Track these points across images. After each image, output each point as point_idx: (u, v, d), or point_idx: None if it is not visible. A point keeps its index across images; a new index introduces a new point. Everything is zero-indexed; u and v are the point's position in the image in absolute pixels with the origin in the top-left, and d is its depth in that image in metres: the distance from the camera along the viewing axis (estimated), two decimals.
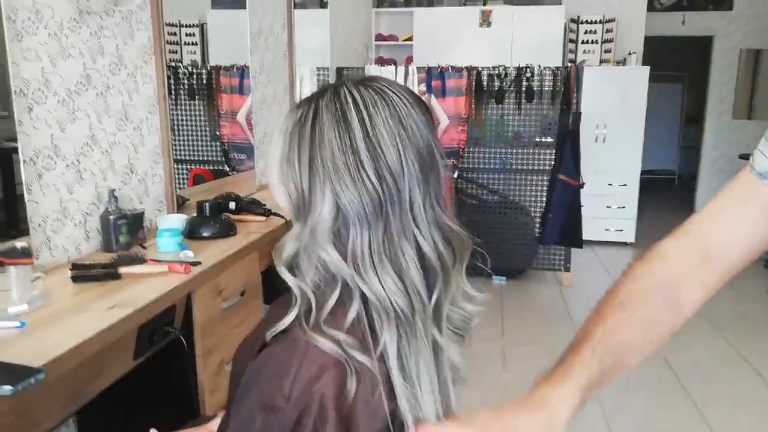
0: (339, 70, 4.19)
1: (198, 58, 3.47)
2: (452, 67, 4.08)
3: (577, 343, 0.74)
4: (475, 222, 3.93)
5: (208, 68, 3.29)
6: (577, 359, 0.71)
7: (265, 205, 2.22)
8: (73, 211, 1.66)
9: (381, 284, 0.70)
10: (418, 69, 4.11)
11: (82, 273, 1.45)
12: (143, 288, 1.42)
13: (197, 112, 3.05)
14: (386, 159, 0.71)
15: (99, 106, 1.74)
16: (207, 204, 1.94)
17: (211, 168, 3.15)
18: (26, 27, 1.47)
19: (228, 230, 1.91)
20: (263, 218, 2.13)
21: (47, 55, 1.53)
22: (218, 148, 3.15)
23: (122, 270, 1.48)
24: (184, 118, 2.90)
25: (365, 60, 5.02)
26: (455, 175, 4.09)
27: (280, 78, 3.14)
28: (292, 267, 0.75)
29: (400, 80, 4.03)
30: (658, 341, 0.77)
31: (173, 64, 3.34)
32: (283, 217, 2.12)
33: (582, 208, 3.98)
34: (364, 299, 0.71)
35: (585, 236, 4.14)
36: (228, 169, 3.08)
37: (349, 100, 0.74)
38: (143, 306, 1.31)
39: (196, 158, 3.04)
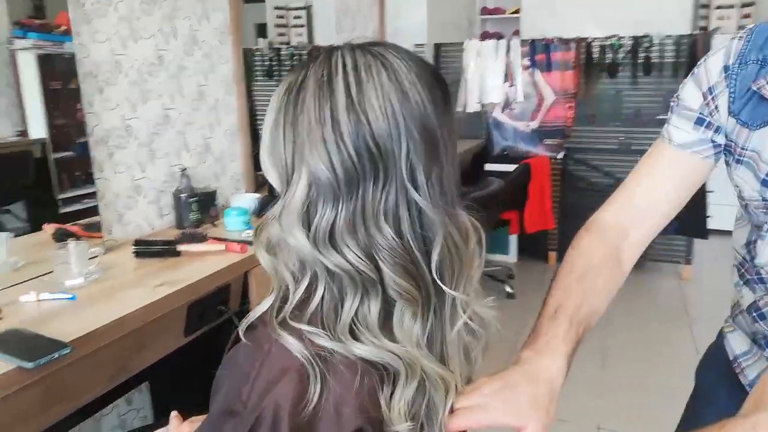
0: (437, 47, 4.05)
1: (305, 39, 3.52)
2: (558, 39, 3.78)
3: (554, 315, 0.77)
4: (581, 206, 3.65)
5: (308, 49, 3.31)
6: (559, 331, 0.75)
7: None
8: (146, 188, 1.71)
9: (343, 257, 0.61)
10: (522, 42, 3.86)
11: (143, 249, 1.49)
12: (198, 266, 1.43)
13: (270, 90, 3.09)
14: (372, 130, 0.61)
15: (172, 86, 1.78)
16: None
17: None
18: (96, 10, 1.51)
19: None
20: None
21: (118, 37, 1.58)
22: None
23: (181, 247, 1.50)
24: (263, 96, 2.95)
25: (468, 35, 4.81)
26: (560, 156, 3.81)
27: None
28: (273, 248, 0.68)
29: (501, 54, 3.81)
30: (608, 302, 0.85)
31: (276, 45, 3.41)
32: None
33: (709, 194, 3.54)
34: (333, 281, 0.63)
35: (711, 225, 3.69)
36: None
37: (339, 64, 0.64)
38: (191, 284, 1.32)
39: None
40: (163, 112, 1.76)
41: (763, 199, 0.80)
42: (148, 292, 1.26)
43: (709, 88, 0.83)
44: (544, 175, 3.52)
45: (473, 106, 3.85)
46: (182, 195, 1.75)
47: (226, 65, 2.02)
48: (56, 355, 0.95)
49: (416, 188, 0.63)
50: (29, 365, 0.92)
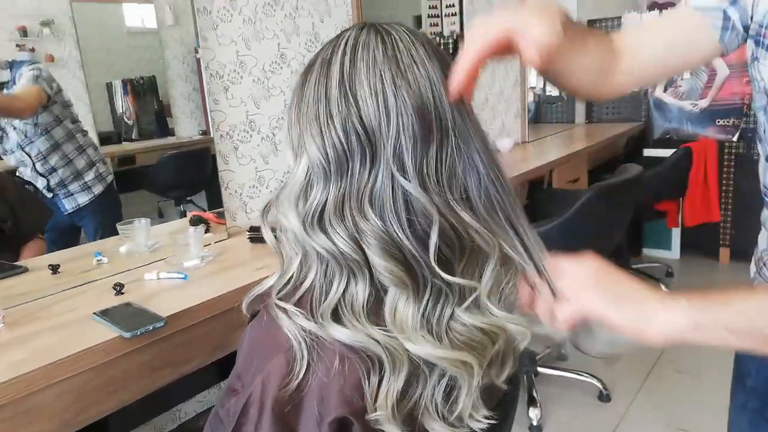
0: (590, 24, 3.76)
1: (458, 28, 3.51)
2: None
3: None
4: (758, 195, 3.14)
5: (455, 37, 3.29)
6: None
7: None
8: (267, 179, 1.85)
9: (330, 240, 0.61)
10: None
11: (256, 235, 1.61)
12: None
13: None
14: (359, 109, 0.60)
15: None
16: None
17: None
18: (222, 16, 1.66)
19: None
20: None
21: (242, 39, 1.72)
22: None
23: None
24: None
25: (632, 6, 4.38)
26: (735, 138, 3.33)
27: None
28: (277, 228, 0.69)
29: None
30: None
31: (429, 36, 3.44)
32: None
33: None
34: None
35: None
36: None
37: (342, 42, 0.64)
38: None
39: None
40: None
41: None
42: (249, 274, 1.37)
43: None
44: (709, 161, 3.11)
45: None
46: None
47: None
48: (151, 328, 1.08)
49: (403, 172, 0.60)
50: (127, 335, 1.05)
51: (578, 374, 2.37)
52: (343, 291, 0.62)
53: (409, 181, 0.60)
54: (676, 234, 3.58)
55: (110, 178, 1.79)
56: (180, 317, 1.16)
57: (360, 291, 0.61)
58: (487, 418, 0.65)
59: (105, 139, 1.83)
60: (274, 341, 0.62)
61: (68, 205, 1.73)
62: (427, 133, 0.61)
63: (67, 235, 1.78)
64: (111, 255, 1.56)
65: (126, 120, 1.89)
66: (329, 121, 0.61)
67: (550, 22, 0.63)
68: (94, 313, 1.15)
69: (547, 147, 3.23)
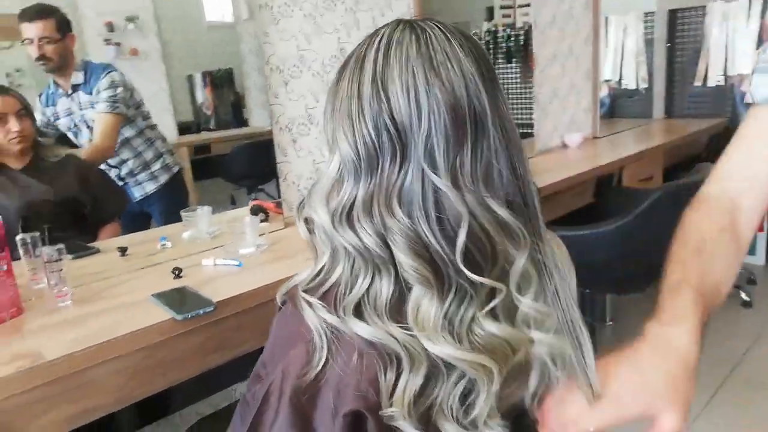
0: (672, 14, 3.55)
1: (531, 19, 3.44)
2: None
3: (677, 287, 0.68)
4: None
5: (526, 28, 3.22)
6: (686, 301, 0.66)
7: None
8: None
9: (357, 237, 0.61)
10: None
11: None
12: None
13: (513, 74, 3.04)
14: (390, 107, 0.60)
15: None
16: None
17: (521, 131, 3.10)
18: (283, 11, 1.70)
19: None
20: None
21: (302, 34, 1.75)
22: (526, 111, 3.06)
23: None
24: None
25: None
26: None
27: (579, 30, 2.85)
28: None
29: (755, 15, 3.18)
30: (733, 277, 0.78)
31: (492, 27, 3.39)
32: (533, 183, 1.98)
33: None
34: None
35: None
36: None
37: (377, 39, 0.64)
38: None
39: None
40: None
41: None
42: (300, 264, 1.40)
43: None
44: None
45: (715, 79, 3.31)
46: None
47: None
48: (201, 312, 1.13)
49: (434, 169, 0.60)
50: (179, 317, 1.11)
51: None
52: (368, 287, 0.62)
53: (441, 178, 0.60)
54: (761, 238, 3.34)
55: (176, 168, 1.89)
56: (230, 303, 1.20)
57: (384, 288, 0.62)
58: (500, 425, 0.64)
59: (184, 128, 1.93)
60: (296, 332, 0.63)
61: (137, 193, 1.84)
62: (460, 130, 0.60)
63: (137, 220, 1.89)
64: (175, 240, 1.64)
65: (204, 110, 1.98)
66: (361, 118, 0.61)
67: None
68: (151, 295, 1.21)
69: (619, 142, 3.10)
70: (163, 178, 1.85)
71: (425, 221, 0.60)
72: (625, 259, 1.90)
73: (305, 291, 0.65)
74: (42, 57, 1.60)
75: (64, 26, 1.59)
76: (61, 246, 1.26)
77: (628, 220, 1.73)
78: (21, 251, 1.33)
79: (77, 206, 1.73)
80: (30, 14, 1.56)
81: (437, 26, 0.64)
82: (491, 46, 3.20)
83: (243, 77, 1.92)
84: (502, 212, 0.61)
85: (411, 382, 0.59)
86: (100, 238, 1.76)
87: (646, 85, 3.71)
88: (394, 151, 0.61)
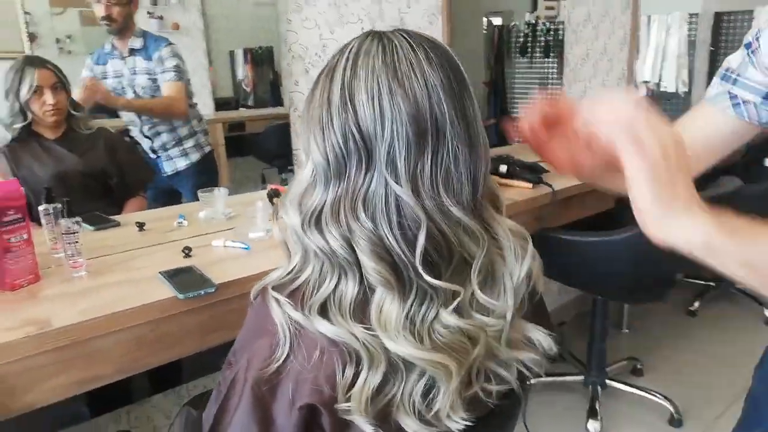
0: (717, 16, 3.44)
1: (564, 16, 3.39)
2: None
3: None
4: None
5: (563, 23, 3.16)
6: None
7: (542, 172, 2.09)
8: None
9: (324, 240, 0.65)
10: None
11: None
12: None
13: (540, 70, 3.00)
14: (357, 116, 0.63)
15: None
16: None
17: None
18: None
19: None
20: (529, 185, 2.01)
21: (326, 23, 1.77)
22: None
23: None
24: (526, 76, 2.89)
25: None
26: None
27: (615, 30, 2.79)
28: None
29: None
30: None
31: (533, 20, 3.34)
32: (549, 185, 1.97)
33: None
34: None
35: None
36: None
37: (347, 51, 0.67)
38: None
39: None
40: None
41: None
42: None
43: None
44: None
45: None
46: None
47: None
48: (202, 292, 1.18)
49: (396, 175, 0.63)
50: (180, 296, 1.16)
51: (650, 393, 2.25)
52: (334, 288, 0.65)
53: (401, 186, 0.62)
54: None
55: (208, 148, 1.95)
56: (232, 285, 1.25)
57: (349, 289, 0.65)
58: (464, 419, 0.67)
59: (222, 104, 1.98)
60: (262, 326, 0.67)
61: (168, 168, 1.91)
62: (421, 139, 0.63)
63: (166, 195, 1.96)
64: (192, 219, 1.70)
65: (244, 87, 2.02)
66: (330, 126, 0.64)
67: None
68: (159, 272, 1.27)
69: None
70: (195, 157, 1.91)
71: (387, 225, 0.63)
72: (638, 267, 1.88)
73: (275, 288, 0.68)
74: (107, 17, 1.67)
75: None
76: (78, 218, 1.32)
77: (638, 232, 1.70)
78: (43, 221, 1.40)
79: (105, 178, 1.80)
80: None
81: (405, 37, 0.66)
82: (529, 38, 3.15)
83: (281, 56, 1.95)
84: (460, 216, 0.64)
85: (369, 380, 0.63)
86: (126, 211, 1.83)
87: (686, 89, 3.62)
88: (359, 158, 0.64)
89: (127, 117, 1.85)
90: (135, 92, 1.80)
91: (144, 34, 1.75)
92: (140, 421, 1.61)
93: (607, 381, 2.27)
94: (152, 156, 1.91)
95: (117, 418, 1.56)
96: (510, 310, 0.69)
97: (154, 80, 1.78)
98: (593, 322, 2.22)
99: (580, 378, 2.29)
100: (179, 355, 1.24)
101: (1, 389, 0.98)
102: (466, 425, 0.67)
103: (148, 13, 1.73)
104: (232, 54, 1.92)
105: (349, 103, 0.63)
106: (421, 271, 0.63)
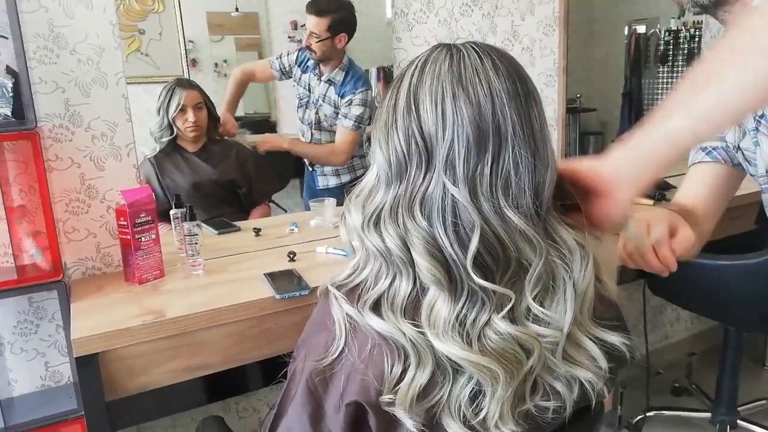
0: None
1: (703, 24, 3.17)
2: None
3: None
4: None
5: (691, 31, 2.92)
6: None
7: (666, 189, 1.96)
8: None
9: (381, 240, 0.67)
10: None
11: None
12: None
13: (665, 79, 2.82)
14: (420, 119, 0.66)
15: None
16: None
17: None
18: (417, 18, 1.77)
19: None
20: (650, 202, 1.88)
21: (435, 39, 1.81)
22: None
23: None
24: (667, 86, 2.74)
25: None
26: None
27: None
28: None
29: None
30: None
31: (676, 27, 3.14)
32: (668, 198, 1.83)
33: None
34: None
35: None
36: None
37: (417, 60, 0.71)
38: None
39: None
40: None
41: None
42: None
43: None
44: None
45: None
46: None
47: (550, 57, 2.03)
48: (297, 294, 1.26)
49: (454, 178, 0.64)
50: (277, 296, 1.25)
51: None
52: (388, 286, 0.68)
53: (458, 188, 0.64)
54: None
55: (361, 171, 2.04)
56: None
57: (402, 287, 0.67)
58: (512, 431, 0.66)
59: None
60: (321, 321, 0.71)
61: (320, 183, 2.04)
62: (482, 143, 0.64)
63: None
64: (303, 227, 1.81)
65: (377, 104, 2.13)
66: (394, 129, 0.68)
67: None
68: (263, 273, 1.38)
69: None
70: (345, 178, 2.02)
71: (442, 226, 0.65)
72: None
73: (337, 287, 0.72)
74: (307, 48, 1.83)
75: (336, 27, 1.77)
76: (198, 222, 1.48)
77: None
78: (173, 224, 1.58)
79: (234, 187, 1.98)
80: (310, 8, 1.77)
81: (473, 48, 0.68)
82: (670, 46, 2.95)
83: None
84: (518, 221, 0.64)
85: (417, 378, 0.64)
86: (251, 217, 1.99)
87: None
88: (420, 159, 0.66)
89: (302, 130, 1.97)
90: (317, 113, 1.92)
91: (348, 71, 1.85)
92: (247, 412, 1.75)
93: (739, 421, 2.04)
94: (309, 169, 2.04)
95: (226, 406, 1.70)
96: (567, 324, 0.67)
97: (336, 114, 1.89)
98: (724, 354, 2.01)
99: (707, 415, 2.08)
100: (279, 351, 1.32)
101: (122, 368, 1.13)
102: None
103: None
104: (367, 73, 2.01)
105: (413, 107, 0.66)
106: (471, 272, 0.64)
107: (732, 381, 2.01)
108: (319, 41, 1.75)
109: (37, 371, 1.46)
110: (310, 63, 1.86)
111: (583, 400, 0.73)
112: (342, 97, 1.85)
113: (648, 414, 2.15)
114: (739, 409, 2.06)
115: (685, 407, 2.29)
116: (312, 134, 1.94)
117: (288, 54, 1.86)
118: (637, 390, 2.13)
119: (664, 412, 2.23)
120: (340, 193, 1.97)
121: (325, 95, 1.87)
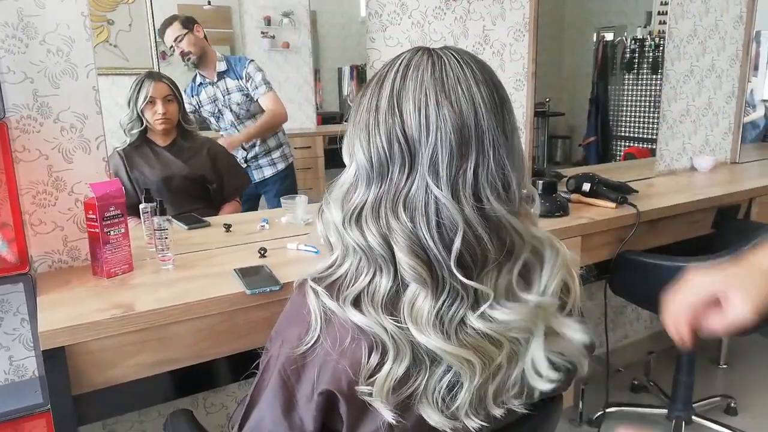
0: None
1: (666, 31, 3.25)
2: None
3: None
4: None
5: (656, 40, 3.00)
6: None
7: (628, 193, 2.02)
8: None
9: (362, 236, 0.69)
10: None
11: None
12: None
13: (647, 87, 2.89)
14: (403, 123, 0.69)
15: None
16: (540, 182, 1.92)
17: (650, 147, 2.93)
18: (391, 19, 1.80)
19: (555, 210, 1.86)
20: (612, 205, 1.94)
21: (408, 41, 1.84)
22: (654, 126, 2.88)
23: None
24: (632, 93, 2.80)
25: None
26: None
27: (726, 45, 2.62)
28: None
29: None
30: None
31: (641, 35, 3.21)
32: (634, 205, 1.89)
33: None
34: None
35: None
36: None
37: (397, 63, 0.73)
38: None
39: (636, 136, 2.90)
40: None
41: None
42: None
43: None
44: None
45: None
46: None
47: (519, 62, 2.08)
48: (267, 290, 1.27)
49: (437, 180, 0.67)
50: (248, 291, 1.26)
51: None
52: (369, 282, 0.70)
53: (441, 189, 0.67)
54: None
55: (291, 159, 2.08)
56: (290, 285, 1.33)
57: (383, 284, 0.69)
58: (482, 422, 0.69)
59: (328, 119, 2.10)
60: (297, 312, 0.73)
61: (256, 176, 2.06)
62: (464, 147, 0.67)
63: (252, 200, 2.11)
64: (273, 223, 1.82)
65: (349, 103, 2.14)
66: (376, 130, 0.70)
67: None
68: (233, 269, 1.38)
69: (762, 171, 2.80)
70: (281, 166, 2.05)
71: (426, 226, 0.67)
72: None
73: (314, 280, 0.74)
74: (183, 54, 1.85)
75: (187, 23, 1.82)
76: (168, 217, 1.47)
77: (732, 256, 1.59)
78: (143, 218, 1.57)
79: (205, 182, 1.97)
80: (161, 29, 1.79)
81: (453, 54, 0.71)
82: (635, 54, 3.03)
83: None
84: (497, 220, 0.68)
85: (393, 370, 0.67)
86: (222, 213, 1.99)
87: None
88: (403, 161, 0.68)
89: (227, 133, 2.01)
90: (231, 110, 1.96)
91: (226, 58, 1.91)
92: (215, 407, 1.75)
93: (694, 417, 2.12)
94: (243, 165, 2.07)
95: (194, 402, 1.70)
96: (537, 316, 0.71)
97: (247, 95, 1.93)
98: (681, 353, 2.09)
99: (664, 411, 2.16)
100: (247, 347, 1.34)
101: (89, 361, 1.13)
102: (482, 425, 0.69)
103: (262, 33, 1.88)
104: (339, 71, 2.02)
105: (396, 110, 0.68)
106: (455, 270, 0.67)
107: (688, 379, 2.09)
108: (182, 41, 1.79)
109: (0, 365, 1.44)
110: (195, 83, 1.91)
111: (552, 391, 0.76)
112: (240, 78, 1.90)
113: (608, 410, 2.22)
114: (694, 405, 2.14)
115: (643, 404, 2.37)
116: (238, 130, 1.97)
117: (185, 95, 1.91)
118: (598, 387, 2.20)
119: (623, 408, 2.30)
120: (277, 182, 2.03)
121: (227, 89, 1.91)
